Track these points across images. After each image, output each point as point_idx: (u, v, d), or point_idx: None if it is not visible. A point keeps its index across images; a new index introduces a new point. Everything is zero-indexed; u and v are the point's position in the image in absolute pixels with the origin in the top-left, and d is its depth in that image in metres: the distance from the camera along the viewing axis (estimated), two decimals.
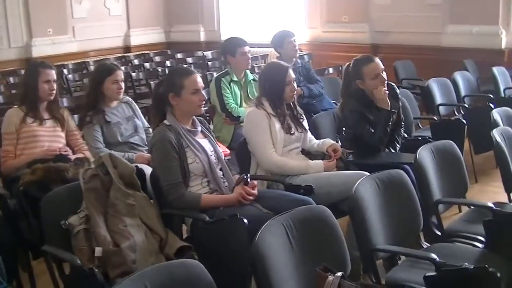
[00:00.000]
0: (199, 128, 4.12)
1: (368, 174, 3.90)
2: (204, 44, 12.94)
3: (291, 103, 4.73)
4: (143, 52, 12.21)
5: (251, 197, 3.94)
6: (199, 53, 11.67)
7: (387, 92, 4.86)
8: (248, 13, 12.69)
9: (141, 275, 2.46)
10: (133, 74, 9.50)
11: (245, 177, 4.02)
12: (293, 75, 4.69)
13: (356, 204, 3.35)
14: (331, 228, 3.08)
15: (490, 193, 5.99)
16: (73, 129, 5.07)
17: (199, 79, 4.08)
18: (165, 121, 4.02)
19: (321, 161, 4.57)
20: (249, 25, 12.52)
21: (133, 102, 5.40)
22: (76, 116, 5.28)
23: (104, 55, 11.86)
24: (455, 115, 7.46)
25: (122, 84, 5.14)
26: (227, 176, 4.11)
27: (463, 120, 5.98)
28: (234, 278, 3.33)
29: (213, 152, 4.09)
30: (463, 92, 7.97)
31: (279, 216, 2.95)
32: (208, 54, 11.32)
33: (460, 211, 5.07)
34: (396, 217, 3.55)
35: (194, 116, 4.13)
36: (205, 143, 4.09)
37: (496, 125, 5.08)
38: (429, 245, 3.81)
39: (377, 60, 4.93)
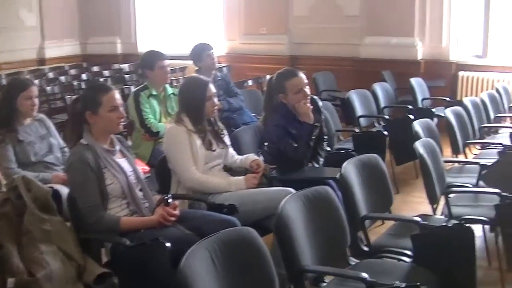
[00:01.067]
0: (118, 147, 3.95)
1: (292, 190, 3.87)
2: (121, 57, 12.69)
3: (212, 119, 4.63)
4: (58, 65, 11.84)
5: (172, 218, 3.80)
6: (116, 66, 11.43)
7: (311, 106, 4.81)
8: (166, 25, 12.55)
9: None
10: (48, 88, 9.17)
11: (165, 197, 3.88)
12: (213, 90, 4.59)
13: (282, 223, 3.25)
14: (257, 250, 2.98)
15: (412, 204, 6.03)
16: None
17: (118, 96, 3.92)
18: (82, 140, 3.84)
19: (242, 177, 4.49)
20: (167, 37, 12.36)
21: (47, 119, 5.21)
22: None
23: (17, 68, 11.43)
24: (375, 126, 7.51)
25: (36, 101, 4.96)
26: (147, 197, 3.97)
27: (384, 132, 6.00)
28: None
29: (132, 172, 3.94)
30: (382, 103, 8.05)
31: (203, 241, 2.82)
32: (125, 67, 11.07)
33: (383, 222, 5.05)
34: (323, 234, 3.48)
35: (112, 135, 3.97)
36: (123, 163, 3.93)
37: (418, 137, 5.11)
38: (357, 261, 3.75)
39: (301, 74, 4.88)
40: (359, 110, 7.43)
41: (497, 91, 8.24)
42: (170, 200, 3.88)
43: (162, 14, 12.58)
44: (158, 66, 5.91)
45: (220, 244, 2.85)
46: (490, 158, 5.53)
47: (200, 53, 6.65)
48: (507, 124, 7.64)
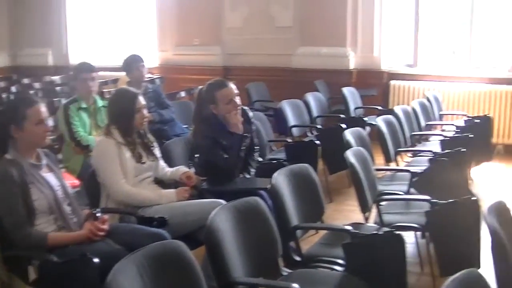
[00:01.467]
0: (44, 162, 3.85)
1: (223, 201, 3.84)
2: (53, 69, 12.43)
3: (142, 131, 4.57)
4: None
5: (101, 233, 3.73)
6: (47, 78, 11.19)
7: (241, 118, 4.80)
8: (99, 36, 12.35)
9: None
10: None
11: (94, 212, 3.81)
12: (143, 102, 4.53)
13: (212, 236, 3.21)
14: (186, 263, 2.93)
15: (346, 212, 6.06)
16: None
17: (43, 109, 3.82)
18: (6, 155, 3.73)
19: (173, 190, 4.45)
20: (100, 48, 12.18)
21: None
22: None
23: None
24: (308, 136, 7.54)
25: None
26: (75, 212, 3.87)
27: (316, 141, 6.02)
28: None
29: (59, 187, 3.84)
30: (315, 113, 8.10)
31: (131, 255, 2.77)
32: (57, 79, 10.84)
33: (316, 232, 5.05)
34: (254, 245, 3.45)
35: (38, 149, 3.87)
36: (50, 177, 3.82)
37: (349, 145, 5.15)
38: (290, 271, 3.73)
39: (231, 85, 4.86)
40: (291, 120, 7.46)
41: (428, 99, 8.40)
42: (99, 214, 3.81)
43: (95, 25, 12.36)
44: (81, 77, 5.84)
45: (148, 258, 2.80)
46: (421, 165, 5.60)
47: (130, 64, 6.61)
48: (438, 131, 7.75)
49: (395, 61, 10.06)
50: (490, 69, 9.63)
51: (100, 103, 5.95)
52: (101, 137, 4.48)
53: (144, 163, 4.46)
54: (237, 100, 4.80)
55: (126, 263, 2.71)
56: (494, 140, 8.24)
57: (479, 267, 3.86)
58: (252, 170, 4.95)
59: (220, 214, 3.33)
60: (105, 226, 3.78)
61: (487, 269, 3.13)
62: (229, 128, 4.77)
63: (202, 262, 3.47)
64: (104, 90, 8.19)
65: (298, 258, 3.90)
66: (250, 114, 5.12)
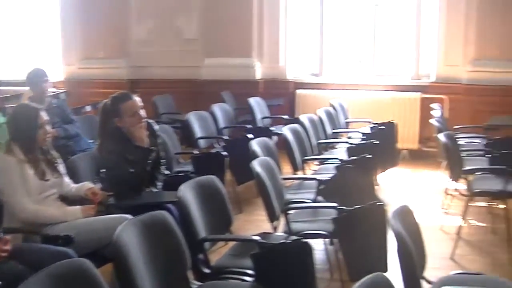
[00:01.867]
0: None
1: (129, 216, 3.79)
2: None
3: (45, 147, 4.46)
4: None
5: (3, 254, 3.61)
6: None
7: (146, 131, 4.76)
8: (1, 49, 12.00)
9: None
10: None
11: None
12: (45, 117, 4.43)
13: (119, 251, 3.16)
14: (93, 281, 2.86)
15: (256, 222, 6.07)
16: None
17: None
18: None
19: (79, 207, 4.37)
20: (1, 62, 11.83)
21: None
22: None
23: None
24: (215, 147, 7.53)
25: None
26: None
27: (223, 152, 6.02)
28: None
29: None
30: (221, 124, 8.11)
31: (35, 276, 2.69)
32: None
33: (226, 243, 5.05)
34: (162, 259, 3.41)
35: None
36: None
37: (255, 156, 5.15)
38: (199, 283, 3.72)
39: (135, 97, 4.81)
40: (198, 131, 7.44)
41: (333, 107, 8.53)
42: (1, 235, 3.69)
43: None
44: None
45: (53, 278, 2.72)
46: (327, 173, 5.67)
47: (34, 79, 6.48)
48: (344, 139, 7.88)
49: (300, 71, 10.21)
50: (394, 77, 9.89)
51: (1, 119, 5.79)
52: (1, 155, 4.35)
53: (48, 180, 4.36)
54: (142, 112, 4.76)
55: (29, 284, 2.63)
56: (399, 145, 8.44)
57: (386, 270, 3.93)
58: (159, 184, 4.90)
59: (126, 229, 3.28)
60: (7, 247, 3.66)
61: (394, 272, 3.20)
62: (134, 142, 4.72)
63: (111, 279, 3.40)
64: (6, 106, 7.97)
65: (207, 270, 3.88)
66: (156, 127, 5.08)
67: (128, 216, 3.95)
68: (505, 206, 5.46)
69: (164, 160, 5.04)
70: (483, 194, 5.78)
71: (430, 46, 9.67)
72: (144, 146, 4.73)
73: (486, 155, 6.39)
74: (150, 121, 5.03)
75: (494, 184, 5.55)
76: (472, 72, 9.11)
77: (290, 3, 10.04)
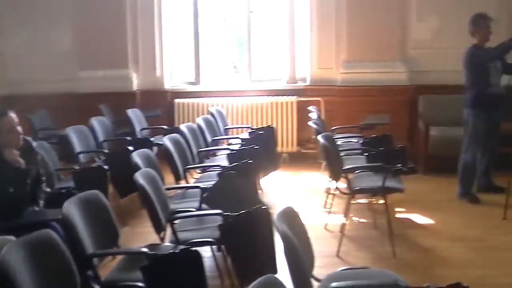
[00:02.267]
0: None
1: (12, 237, 3.66)
2: None
3: None
4: None
5: None
6: None
7: (19, 151, 4.66)
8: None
9: None
10: None
11: None
12: None
13: (4, 275, 3.06)
14: None
15: (143, 235, 6.02)
16: None
17: None
18: None
19: None
20: None
21: None
22: None
23: None
24: (96, 161, 7.43)
25: None
26: None
27: (104, 166, 5.95)
28: None
29: None
30: (100, 137, 7.99)
31: None
32: None
33: (114, 257, 5.00)
34: (51, 279, 3.34)
35: None
36: None
37: (137, 167, 5.14)
38: None
39: (11, 113, 4.68)
40: (77, 146, 7.29)
41: (212, 115, 8.59)
42: None
43: None
44: None
45: None
46: (210, 180, 5.72)
47: None
48: (224, 146, 7.94)
49: (178, 80, 10.23)
50: (270, 82, 10.06)
51: None
52: None
53: None
54: (19, 128, 4.65)
55: None
56: (279, 149, 8.58)
57: (276, 272, 4.00)
58: (41, 202, 4.78)
59: (11, 251, 3.19)
60: None
61: (284, 273, 3.27)
62: (10, 164, 4.60)
63: None
64: None
65: (97, 287, 3.84)
66: (34, 144, 4.97)
67: (11, 237, 3.83)
68: (384, 201, 5.64)
69: (44, 178, 4.93)
70: (363, 191, 6.00)
71: (304, 51, 9.91)
72: (20, 167, 4.62)
73: (364, 154, 6.61)
74: (28, 138, 4.92)
75: (373, 181, 5.76)
76: (344, 74, 9.42)
77: (164, 12, 10.05)
